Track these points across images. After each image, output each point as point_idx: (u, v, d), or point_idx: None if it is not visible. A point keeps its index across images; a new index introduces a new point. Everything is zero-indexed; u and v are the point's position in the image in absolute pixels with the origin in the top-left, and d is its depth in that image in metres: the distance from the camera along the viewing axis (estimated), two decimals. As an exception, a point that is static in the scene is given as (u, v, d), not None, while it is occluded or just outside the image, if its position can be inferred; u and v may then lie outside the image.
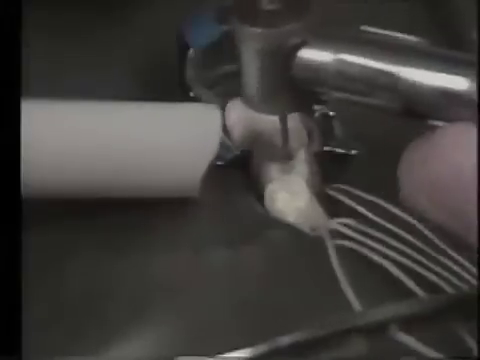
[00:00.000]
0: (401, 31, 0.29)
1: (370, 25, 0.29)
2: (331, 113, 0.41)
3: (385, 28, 0.29)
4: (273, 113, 0.33)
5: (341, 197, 0.38)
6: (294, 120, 0.39)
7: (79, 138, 0.36)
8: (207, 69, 0.41)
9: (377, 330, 0.32)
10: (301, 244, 0.37)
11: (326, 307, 0.34)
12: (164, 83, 0.42)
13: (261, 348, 0.31)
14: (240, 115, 0.38)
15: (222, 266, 0.37)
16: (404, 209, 0.33)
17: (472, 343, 0.32)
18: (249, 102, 0.32)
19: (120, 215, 0.37)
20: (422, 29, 0.44)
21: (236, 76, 0.32)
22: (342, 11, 0.42)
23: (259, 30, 0.29)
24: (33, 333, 0.31)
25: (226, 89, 0.39)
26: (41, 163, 0.35)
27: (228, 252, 0.37)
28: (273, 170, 0.39)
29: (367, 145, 0.40)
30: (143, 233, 0.37)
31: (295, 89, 0.30)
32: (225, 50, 0.33)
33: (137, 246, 0.37)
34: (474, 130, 0.25)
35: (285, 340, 0.31)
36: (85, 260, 0.36)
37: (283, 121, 0.35)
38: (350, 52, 0.29)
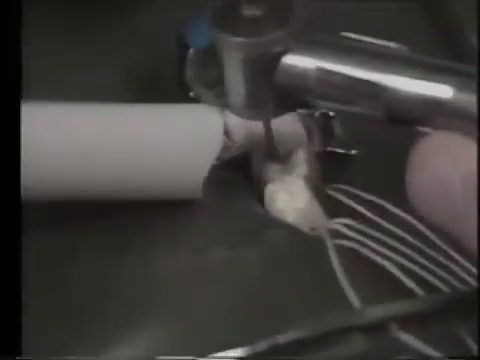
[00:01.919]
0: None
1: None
2: (331, 113, 0.41)
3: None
4: (256, 118, 0.33)
5: (341, 197, 0.38)
6: (293, 122, 0.39)
7: (80, 141, 0.36)
8: (207, 69, 0.41)
9: (377, 328, 0.32)
10: (301, 244, 0.37)
11: (326, 306, 0.34)
12: (164, 83, 0.43)
13: (261, 345, 0.31)
14: (240, 116, 0.38)
15: (222, 266, 0.37)
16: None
17: (471, 342, 0.32)
18: (233, 108, 0.32)
19: (120, 217, 0.37)
20: (421, 33, 0.45)
21: (219, 67, 0.32)
22: (336, 17, 0.42)
23: (241, 40, 0.29)
24: (33, 333, 0.31)
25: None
26: (41, 165, 0.35)
27: (228, 252, 0.37)
28: (273, 171, 0.39)
29: (367, 145, 0.40)
30: (143, 235, 0.37)
31: (278, 95, 0.30)
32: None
33: (137, 247, 0.37)
34: (458, 139, 0.24)
35: (285, 337, 0.31)
36: (85, 262, 0.36)
37: (267, 125, 0.35)
38: (332, 60, 0.28)
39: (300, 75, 0.29)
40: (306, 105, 0.30)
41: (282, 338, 0.32)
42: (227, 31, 0.29)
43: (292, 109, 0.32)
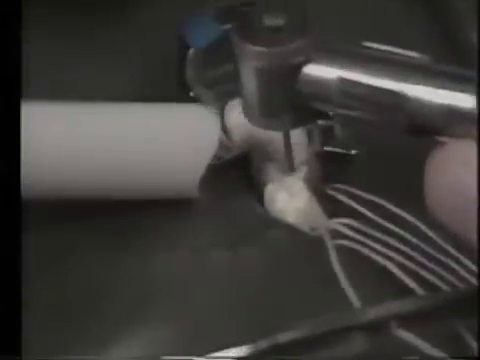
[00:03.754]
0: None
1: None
2: (331, 113, 0.41)
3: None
4: (275, 129, 0.33)
5: (341, 197, 0.38)
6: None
7: (78, 139, 0.36)
8: (207, 69, 0.41)
9: (377, 328, 0.32)
10: (301, 244, 0.37)
11: (326, 306, 0.34)
12: (164, 83, 0.43)
13: (261, 344, 0.31)
14: (240, 116, 0.38)
15: (222, 266, 0.37)
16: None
17: (471, 340, 0.32)
18: (250, 117, 0.32)
19: (119, 216, 0.37)
20: (421, 33, 0.45)
21: (235, 76, 0.32)
22: (336, 17, 0.42)
23: (262, 49, 0.28)
24: (33, 333, 0.31)
25: (226, 89, 0.39)
26: (41, 164, 0.36)
27: (228, 252, 0.37)
28: (272, 170, 0.39)
29: (367, 145, 0.40)
30: (142, 234, 0.37)
31: (298, 105, 0.30)
32: (225, 50, 0.32)
33: (136, 247, 0.37)
34: (477, 146, 0.24)
35: (285, 337, 0.31)
36: (85, 260, 0.36)
37: (286, 137, 0.35)
38: (354, 70, 0.28)
39: (321, 85, 0.28)
40: (325, 115, 0.30)
41: (282, 337, 0.32)
42: (248, 41, 0.28)
43: (312, 120, 0.32)
